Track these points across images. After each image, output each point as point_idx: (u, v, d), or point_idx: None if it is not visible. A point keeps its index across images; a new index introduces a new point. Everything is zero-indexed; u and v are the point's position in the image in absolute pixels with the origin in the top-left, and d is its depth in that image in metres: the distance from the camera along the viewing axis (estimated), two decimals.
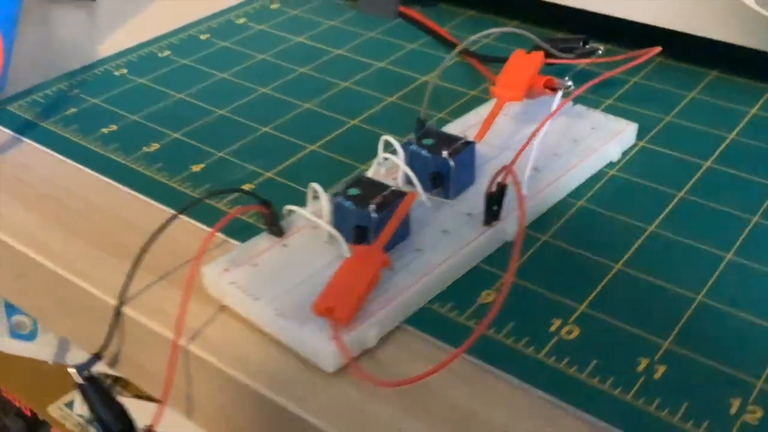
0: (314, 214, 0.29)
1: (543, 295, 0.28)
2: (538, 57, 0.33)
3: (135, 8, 0.51)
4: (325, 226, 0.28)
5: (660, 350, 0.26)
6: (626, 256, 0.30)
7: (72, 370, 0.30)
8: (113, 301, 0.29)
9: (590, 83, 0.30)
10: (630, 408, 0.24)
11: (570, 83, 0.32)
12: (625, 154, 0.35)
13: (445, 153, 0.30)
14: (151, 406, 0.54)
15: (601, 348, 0.26)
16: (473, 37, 0.36)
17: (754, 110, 0.38)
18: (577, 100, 0.37)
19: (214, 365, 0.26)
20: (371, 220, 0.28)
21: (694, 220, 0.31)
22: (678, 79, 0.41)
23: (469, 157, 0.31)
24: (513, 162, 0.28)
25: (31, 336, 0.51)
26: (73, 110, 0.40)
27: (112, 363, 0.30)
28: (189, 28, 0.48)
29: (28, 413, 0.60)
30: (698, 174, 0.34)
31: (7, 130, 0.38)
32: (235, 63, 0.44)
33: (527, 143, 0.29)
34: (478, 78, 0.42)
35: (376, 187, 0.29)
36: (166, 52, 0.45)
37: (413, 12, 0.48)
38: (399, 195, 0.28)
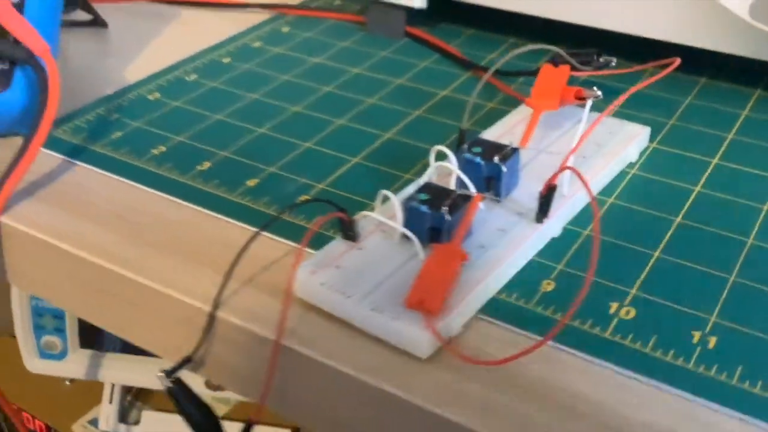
0: (379, 218, 0.32)
1: (597, 282, 0.31)
2: (565, 70, 0.37)
3: (146, 34, 0.53)
4: (402, 229, 0.31)
5: (708, 324, 0.29)
6: (662, 245, 0.33)
7: (160, 374, 0.32)
8: (206, 307, 0.31)
9: (623, 97, 0.34)
10: (693, 374, 0.27)
11: (599, 93, 0.36)
12: (641, 154, 0.39)
13: (496, 159, 0.33)
14: (172, 418, 0.56)
15: (657, 325, 0.29)
16: (507, 57, 0.39)
17: (745, 112, 0.43)
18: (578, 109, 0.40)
19: (315, 360, 0.29)
20: (445, 221, 0.31)
21: (714, 211, 0.35)
22: (672, 87, 0.45)
23: (515, 161, 0.34)
24: (565, 160, 0.32)
25: (61, 355, 0.52)
26: (118, 134, 0.42)
27: (200, 366, 0.33)
28: (209, 52, 0.50)
29: None
30: (709, 170, 0.38)
31: (58, 155, 0.40)
32: (261, 84, 0.46)
33: (575, 148, 0.32)
34: (493, 92, 0.45)
35: (442, 191, 0.32)
36: (193, 76, 0.47)
37: (420, 32, 0.51)
38: (465, 198, 0.32)
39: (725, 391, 0.27)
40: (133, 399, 0.57)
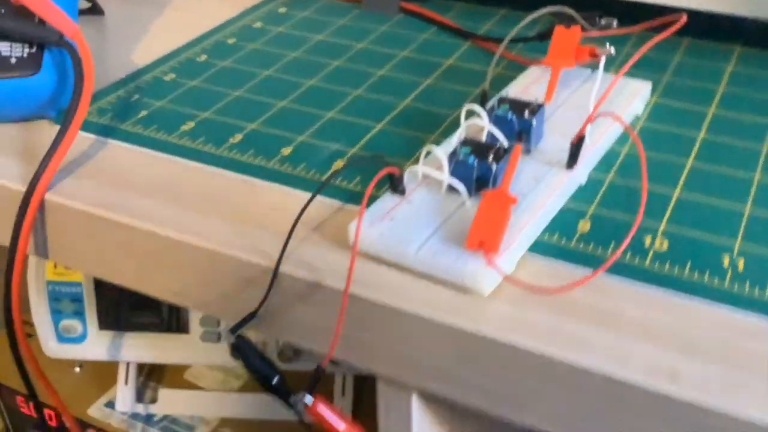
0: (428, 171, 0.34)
1: (627, 220, 0.34)
2: (576, 30, 0.39)
3: (142, 20, 0.54)
4: (451, 179, 0.33)
5: (735, 248, 0.32)
6: (680, 184, 0.36)
7: (225, 331, 0.34)
8: (269, 264, 0.33)
9: (637, 56, 0.36)
10: (729, 293, 0.30)
11: (612, 50, 0.38)
12: (645, 108, 0.42)
13: (526, 114, 0.36)
14: (189, 394, 0.57)
15: (690, 253, 0.32)
16: (522, 24, 0.42)
17: (730, 67, 0.46)
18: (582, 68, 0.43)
19: (385, 304, 0.31)
20: (491, 171, 0.33)
21: (720, 154, 0.38)
22: (659, 47, 0.48)
23: (541, 116, 0.37)
24: (594, 111, 0.34)
25: (80, 338, 0.53)
26: (144, 113, 0.43)
27: (264, 322, 0.34)
28: (212, 34, 0.51)
29: (53, 423, 0.61)
30: (708, 118, 0.41)
31: (90, 135, 0.41)
32: (271, 62, 0.48)
33: (599, 103, 0.35)
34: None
35: (482, 145, 0.34)
36: (203, 57, 0.48)
37: (414, 6, 0.53)
38: (506, 149, 0.34)
39: (762, 303, 0.30)
40: (146, 379, 0.58)
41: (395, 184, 0.34)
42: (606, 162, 0.38)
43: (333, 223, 0.35)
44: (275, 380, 0.34)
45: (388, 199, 0.34)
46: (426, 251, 0.31)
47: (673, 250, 0.32)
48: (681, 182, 0.36)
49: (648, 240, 0.33)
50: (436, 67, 0.47)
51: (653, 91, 0.43)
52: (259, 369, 0.34)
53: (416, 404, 0.34)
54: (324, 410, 0.32)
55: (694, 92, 0.44)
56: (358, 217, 0.31)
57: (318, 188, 0.33)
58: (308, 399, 0.32)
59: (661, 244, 0.33)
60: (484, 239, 0.31)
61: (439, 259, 0.31)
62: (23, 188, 0.37)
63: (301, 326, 0.34)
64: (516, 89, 0.42)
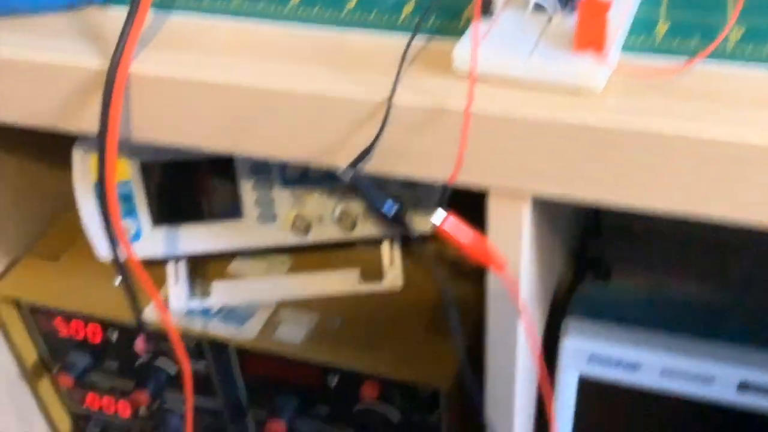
0: None
1: (698, 19, 0.37)
2: None
3: None
4: None
5: None
6: None
7: (343, 169, 0.35)
8: (380, 97, 0.34)
9: None
10: None
11: None
12: None
13: None
14: (241, 284, 0.58)
15: (765, 36, 0.35)
16: None
17: None
18: None
19: (506, 117, 0.33)
20: None
21: None
22: None
23: None
24: None
25: (135, 237, 0.52)
26: None
27: (378, 157, 0.36)
28: None
29: (97, 341, 0.61)
30: None
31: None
32: None
33: None
34: None
35: None
36: None
37: None
38: None
39: None
40: (192, 276, 0.58)
41: (486, 6, 0.35)
42: None
43: (426, 57, 0.36)
44: (394, 209, 0.36)
45: (480, 25, 0.36)
46: (535, 60, 0.33)
47: (748, 36, 0.35)
48: None
49: (726, 30, 0.36)
50: None
51: None
52: (378, 200, 0.35)
53: (527, 213, 0.36)
54: (455, 222, 0.34)
55: None
56: (472, 30, 0.33)
57: (418, 24, 0.34)
58: (442, 214, 0.34)
59: (738, 33, 0.36)
60: (590, 40, 0.33)
61: (551, 64, 0.33)
62: (105, 65, 0.37)
63: (416, 155, 0.35)
64: None
